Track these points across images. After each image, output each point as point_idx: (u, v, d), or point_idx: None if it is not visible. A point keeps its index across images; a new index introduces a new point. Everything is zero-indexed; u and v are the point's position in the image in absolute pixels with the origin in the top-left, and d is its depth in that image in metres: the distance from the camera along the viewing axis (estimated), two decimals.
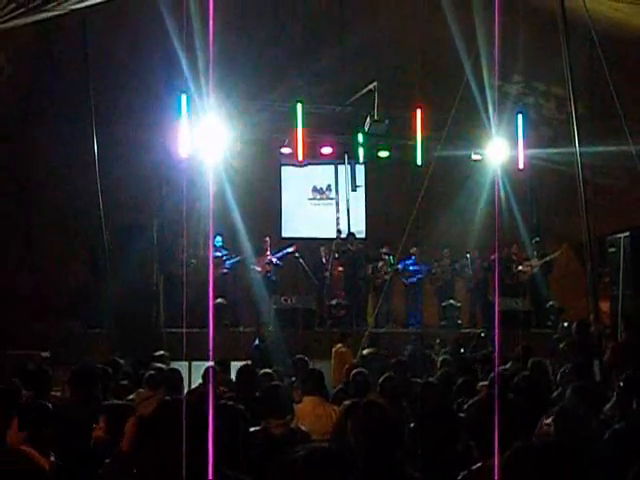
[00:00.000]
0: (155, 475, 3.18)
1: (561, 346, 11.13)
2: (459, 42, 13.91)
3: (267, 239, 17.11)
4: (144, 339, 13.48)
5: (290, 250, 16.96)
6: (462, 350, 13.16)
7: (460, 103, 13.87)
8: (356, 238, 17.83)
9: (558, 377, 7.55)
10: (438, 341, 13.82)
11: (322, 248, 17.66)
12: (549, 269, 17.30)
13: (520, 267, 17.38)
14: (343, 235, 17.95)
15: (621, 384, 5.51)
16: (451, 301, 17.36)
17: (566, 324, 12.78)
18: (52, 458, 4.40)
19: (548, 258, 17.14)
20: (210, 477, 2.86)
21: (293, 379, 8.51)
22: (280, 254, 16.99)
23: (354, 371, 8.27)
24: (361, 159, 17.81)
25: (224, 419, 3.28)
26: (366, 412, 4.22)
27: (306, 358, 9.64)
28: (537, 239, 17.53)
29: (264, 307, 15.39)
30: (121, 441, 4.48)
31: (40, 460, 4.23)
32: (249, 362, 9.69)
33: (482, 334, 14.13)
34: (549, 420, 5.36)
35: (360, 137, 17.04)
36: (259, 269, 16.47)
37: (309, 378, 7.22)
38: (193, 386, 9.08)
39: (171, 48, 12.29)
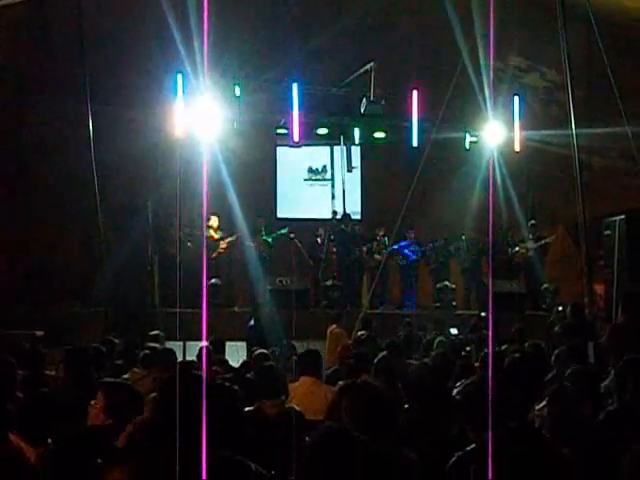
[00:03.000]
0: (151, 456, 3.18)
1: (555, 329, 11.14)
2: (456, 23, 13.86)
3: (261, 220, 17.09)
4: (139, 319, 13.49)
5: (283, 231, 16.94)
6: (457, 331, 13.20)
7: (456, 85, 13.83)
8: (351, 219, 17.81)
9: (552, 359, 7.55)
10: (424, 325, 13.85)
11: (319, 229, 17.65)
12: (544, 251, 17.31)
13: (517, 248, 17.38)
14: (338, 216, 17.95)
15: (618, 366, 5.51)
16: (446, 283, 17.37)
17: (561, 308, 12.78)
18: (40, 449, 4.36)
19: (543, 242, 17.14)
20: (204, 457, 2.85)
21: (294, 357, 8.55)
22: (273, 235, 16.98)
23: (348, 352, 8.27)
24: (357, 140, 17.77)
25: (218, 399, 3.27)
26: (360, 393, 4.22)
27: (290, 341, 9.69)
28: (533, 221, 17.53)
29: (259, 288, 15.39)
30: (119, 421, 4.45)
31: (27, 451, 4.21)
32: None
33: (482, 314, 14.13)
34: (540, 406, 5.37)
35: (356, 118, 16.98)
36: (254, 245, 16.45)
37: (307, 358, 7.22)
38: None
39: (166, 27, 12.23)
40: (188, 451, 2.89)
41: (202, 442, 2.83)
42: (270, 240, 16.82)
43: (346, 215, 17.83)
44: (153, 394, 5.46)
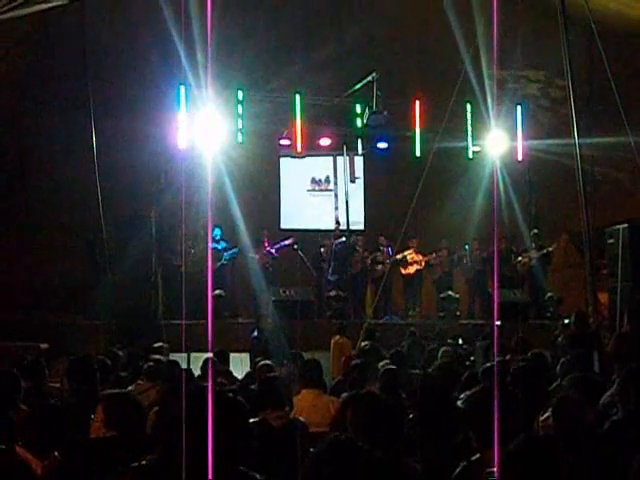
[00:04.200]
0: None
1: (559, 339, 11.11)
2: (458, 33, 13.89)
3: (265, 232, 17.12)
4: (143, 331, 13.49)
5: (288, 242, 16.95)
6: (461, 341, 13.19)
7: (459, 94, 13.85)
8: (353, 231, 17.90)
9: (557, 368, 7.55)
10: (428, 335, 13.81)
11: (325, 241, 17.64)
12: (547, 261, 17.30)
13: (519, 258, 17.38)
14: (342, 227, 17.96)
15: (623, 375, 5.49)
16: (449, 292, 17.36)
17: (567, 321, 12.71)
18: (46, 462, 4.36)
19: (545, 251, 17.12)
20: (210, 469, 2.86)
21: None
22: (277, 246, 17.00)
23: (353, 363, 8.26)
24: (360, 151, 17.79)
25: (224, 411, 3.28)
26: (364, 404, 4.22)
27: (301, 352, 9.66)
28: (535, 231, 17.52)
29: (263, 299, 15.38)
30: (120, 433, 4.44)
31: (33, 463, 4.22)
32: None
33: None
34: (544, 417, 5.35)
35: (359, 129, 17.01)
36: (257, 257, 16.47)
37: (306, 370, 7.21)
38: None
39: (169, 39, 12.26)
40: (193, 463, 2.89)
41: (207, 454, 2.84)
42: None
43: (351, 231, 17.90)
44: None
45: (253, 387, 7.15)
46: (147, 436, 4.42)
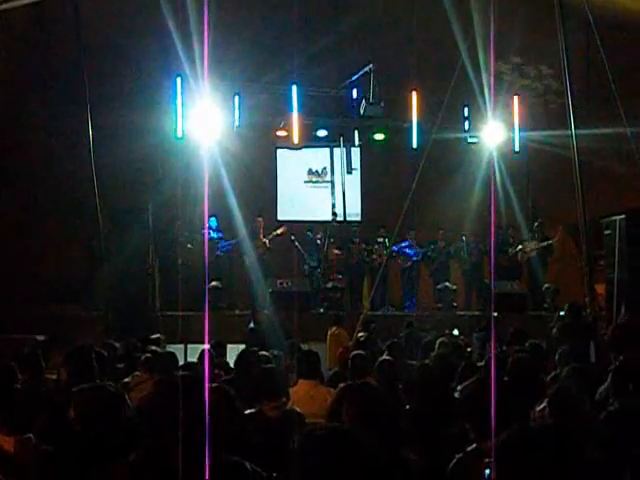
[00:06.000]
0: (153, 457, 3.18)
1: (553, 332, 11.14)
2: (456, 24, 13.87)
3: (260, 219, 17.08)
4: (140, 322, 13.49)
5: (279, 232, 16.91)
6: (458, 332, 13.20)
7: (456, 85, 13.84)
8: (350, 222, 17.91)
9: (556, 358, 7.56)
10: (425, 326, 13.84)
11: (321, 233, 17.65)
12: (549, 252, 17.28)
13: (519, 246, 17.37)
14: (339, 218, 17.96)
15: (617, 366, 5.51)
16: (447, 284, 17.34)
17: (562, 313, 12.74)
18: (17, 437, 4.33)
19: (545, 244, 17.11)
20: (207, 459, 2.86)
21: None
22: (270, 237, 16.95)
23: (351, 354, 8.27)
24: (357, 142, 17.76)
25: (218, 402, 3.28)
26: (361, 394, 4.22)
27: (297, 341, 9.66)
28: (540, 220, 17.50)
29: (259, 290, 15.39)
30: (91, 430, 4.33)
31: (3, 441, 4.20)
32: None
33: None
34: (541, 407, 5.36)
35: (356, 120, 16.98)
36: (260, 242, 16.47)
37: (304, 361, 7.20)
38: None
39: (166, 30, 12.23)
40: (184, 453, 2.90)
41: (202, 445, 2.84)
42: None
43: (348, 222, 17.91)
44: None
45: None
46: (129, 431, 4.27)
